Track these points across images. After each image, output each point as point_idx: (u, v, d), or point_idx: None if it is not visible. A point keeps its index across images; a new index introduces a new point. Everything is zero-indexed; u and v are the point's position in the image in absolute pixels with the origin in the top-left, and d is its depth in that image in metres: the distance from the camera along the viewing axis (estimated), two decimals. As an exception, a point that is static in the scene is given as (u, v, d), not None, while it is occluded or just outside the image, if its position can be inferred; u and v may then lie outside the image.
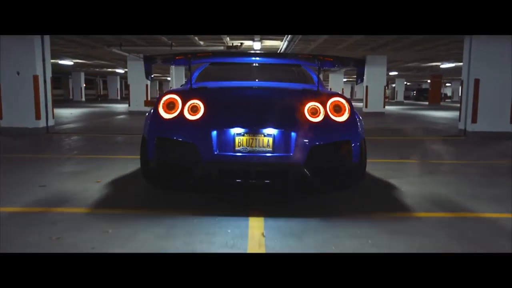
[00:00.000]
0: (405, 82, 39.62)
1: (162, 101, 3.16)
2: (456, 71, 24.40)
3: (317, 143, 3.05)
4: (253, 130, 3.03)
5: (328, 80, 24.55)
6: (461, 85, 8.98)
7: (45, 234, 2.61)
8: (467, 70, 8.53)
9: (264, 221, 2.96)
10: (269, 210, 3.18)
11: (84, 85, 32.47)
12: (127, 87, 16.19)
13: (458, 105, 9.36)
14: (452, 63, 19.09)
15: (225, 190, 3.67)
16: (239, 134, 3.03)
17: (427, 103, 32.86)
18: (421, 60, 19.13)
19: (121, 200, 3.48)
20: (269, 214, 3.10)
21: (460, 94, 9.14)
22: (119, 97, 33.80)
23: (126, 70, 16.52)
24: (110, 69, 27.05)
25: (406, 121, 13.54)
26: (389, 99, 38.70)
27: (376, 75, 15.84)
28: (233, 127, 3.03)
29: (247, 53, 4.69)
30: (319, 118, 3.11)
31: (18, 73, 8.14)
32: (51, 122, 8.77)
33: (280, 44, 12.76)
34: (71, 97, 31.79)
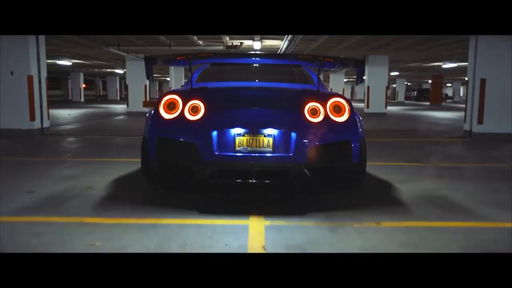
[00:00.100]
0: (406, 83, 39.45)
1: (162, 102, 3.17)
2: (458, 71, 24.23)
3: (317, 143, 3.05)
4: (253, 130, 3.04)
5: (328, 81, 24.37)
6: (466, 85, 8.77)
7: (25, 249, 2.39)
8: (473, 70, 8.32)
9: (265, 229, 2.77)
10: (270, 216, 3.00)
11: (84, 85, 32.29)
12: (126, 87, 15.97)
13: (460, 105, 9.17)
14: (455, 63, 18.89)
15: (225, 190, 3.59)
16: (239, 135, 3.03)
17: (428, 103, 32.67)
18: (423, 60, 18.92)
19: (112, 208, 3.25)
20: (270, 220, 2.91)
21: (460, 95, 8.92)
22: (118, 98, 33.59)
23: (125, 70, 16.30)
24: (109, 70, 26.87)
25: (409, 122, 13.33)
26: (390, 99, 38.49)
27: (377, 75, 15.62)
28: (233, 127, 3.03)
29: (247, 54, 4.71)
30: (319, 118, 3.11)
31: (12, 73, 7.92)
32: (46, 124, 8.55)
33: (280, 43, 12.55)
34: (70, 97, 31.56)
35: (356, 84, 4.22)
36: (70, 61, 20.07)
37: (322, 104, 3.15)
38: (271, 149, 3.04)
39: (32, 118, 8.08)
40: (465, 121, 8.71)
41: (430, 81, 34.86)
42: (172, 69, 19.51)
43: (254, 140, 3.04)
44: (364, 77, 16.08)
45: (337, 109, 3.17)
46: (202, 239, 2.58)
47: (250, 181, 3.03)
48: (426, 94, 39.47)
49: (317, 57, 3.36)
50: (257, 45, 12.43)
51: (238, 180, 3.05)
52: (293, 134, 3.04)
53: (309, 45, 13.13)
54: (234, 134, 3.04)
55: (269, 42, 12.80)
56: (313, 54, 4.40)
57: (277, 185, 3.12)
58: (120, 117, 14.76)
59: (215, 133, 3.03)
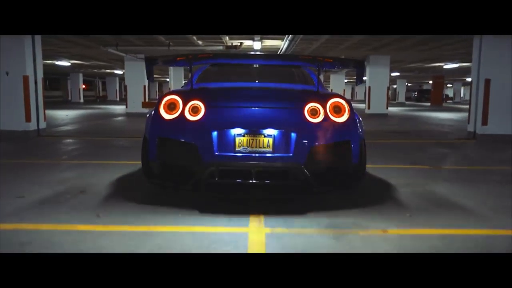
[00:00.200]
0: (406, 83, 39.30)
1: (163, 102, 3.18)
2: (459, 71, 24.10)
3: (317, 143, 3.07)
4: (253, 130, 3.05)
5: (329, 81, 24.21)
6: (470, 85, 8.62)
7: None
8: (477, 70, 8.16)
9: (266, 237, 2.62)
10: (270, 217, 2.88)
11: (84, 86, 32.13)
12: (125, 88, 15.81)
13: (460, 106, 9.05)
14: (456, 63, 18.73)
15: (225, 191, 3.49)
16: (239, 135, 3.04)
17: (428, 104, 32.50)
18: (424, 61, 18.78)
19: (105, 214, 3.10)
20: (271, 227, 2.77)
21: (461, 95, 8.77)
22: (118, 99, 33.40)
23: (124, 71, 16.15)
24: (108, 70, 26.72)
25: (411, 123, 13.17)
26: (390, 100, 38.29)
27: (378, 75, 15.44)
28: (233, 127, 3.04)
29: (247, 55, 4.82)
30: (319, 118, 3.12)
31: (7, 74, 7.77)
32: (42, 125, 8.40)
33: (280, 44, 12.39)
34: (69, 98, 31.40)
35: (356, 85, 4.24)
36: (69, 62, 19.92)
37: (322, 104, 3.15)
38: (271, 150, 3.04)
39: (28, 119, 7.93)
40: (468, 122, 8.55)
41: (430, 82, 34.71)
42: (171, 69, 19.37)
43: (254, 141, 3.04)
44: (365, 78, 15.94)
45: (337, 110, 3.17)
46: (198, 246, 2.44)
47: (250, 181, 3.02)
48: (426, 94, 39.31)
49: (317, 58, 3.36)
50: (257, 45, 12.28)
51: (238, 180, 3.03)
52: (293, 135, 3.04)
53: (309, 45, 12.98)
54: (234, 135, 3.04)
55: (269, 42, 12.66)
56: (313, 55, 4.32)
57: (277, 185, 3.10)
58: (119, 118, 14.61)
59: (215, 133, 3.03)
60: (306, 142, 3.04)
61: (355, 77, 4.02)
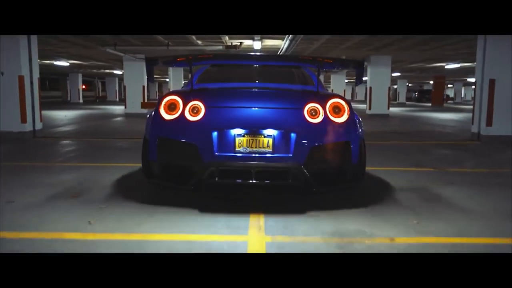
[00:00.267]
0: (407, 84, 39.15)
1: (163, 102, 3.19)
2: (461, 71, 23.95)
3: (317, 144, 3.07)
4: (253, 131, 3.06)
5: (330, 82, 24.07)
6: (474, 86, 8.47)
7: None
8: (481, 70, 8.01)
9: (267, 247, 2.48)
10: (271, 230, 2.70)
11: (84, 86, 31.96)
12: (125, 88, 15.66)
13: (462, 106, 8.93)
14: (458, 63, 18.58)
15: (225, 191, 3.53)
16: (239, 135, 3.06)
17: (429, 104, 32.34)
18: (426, 61, 18.62)
19: (97, 220, 2.95)
20: (271, 235, 2.62)
21: (462, 96, 8.61)
22: (117, 99, 33.25)
23: (123, 71, 15.99)
24: (108, 71, 26.58)
25: (413, 124, 13.01)
26: (391, 100, 38.16)
27: (380, 75, 15.29)
28: (233, 128, 3.06)
29: (248, 55, 4.83)
30: (319, 119, 3.13)
31: (2, 74, 7.63)
32: (38, 126, 8.24)
33: (281, 43, 12.24)
34: (68, 98, 31.23)
35: (356, 85, 4.23)
36: (68, 62, 19.77)
37: (321, 104, 3.16)
38: (271, 150, 3.06)
39: (24, 120, 7.78)
40: (472, 123, 8.39)
41: (431, 82, 34.56)
42: (170, 70, 19.23)
43: (254, 141, 3.05)
44: (366, 78, 15.80)
45: (337, 110, 3.18)
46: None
47: (250, 181, 3.03)
48: (427, 95, 39.15)
49: (317, 58, 3.37)
50: (257, 45, 12.13)
51: (238, 181, 3.04)
52: (293, 135, 3.05)
53: (310, 45, 12.84)
54: (234, 135, 3.06)
55: (270, 42, 12.51)
56: (312, 55, 4.36)
57: (276, 186, 3.11)
58: (118, 118, 14.45)
59: (215, 133, 3.05)
60: (305, 143, 3.04)
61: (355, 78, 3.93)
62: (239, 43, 12.04)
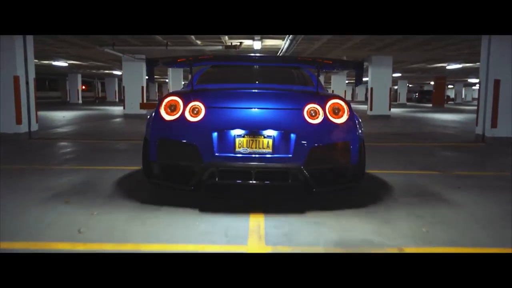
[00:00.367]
0: (408, 84, 39.01)
1: (164, 103, 3.21)
2: (463, 72, 23.81)
3: (317, 144, 3.08)
4: (253, 131, 3.07)
5: (330, 82, 23.95)
6: (478, 86, 8.32)
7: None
8: (486, 71, 7.86)
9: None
10: (272, 238, 2.55)
11: (84, 87, 31.82)
12: (124, 89, 15.51)
13: (462, 107, 8.80)
14: (460, 64, 18.43)
15: (225, 191, 3.42)
16: (239, 136, 3.07)
17: (430, 105, 32.18)
18: (427, 61, 18.48)
19: (89, 228, 2.79)
20: (272, 245, 2.47)
21: (462, 96, 8.46)
22: (117, 99, 33.09)
23: (122, 71, 15.85)
24: (107, 71, 26.44)
25: (414, 125, 12.85)
26: (391, 101, 38.03)
27: (381, 76, 15.14)
28: (233, 128, 3.07)
29: (248, 56, 4.73)
30: (318, 119, 3.13)
31: (-3, 74, 7.48)
32: (34, 127, 8.08)
33: (281, 43, 12.10)
34: (68, 99, 31.08)
35: (356, 86, 4.24)
36: (66, 62, 19.62)
37: (321, 105, 3.18)
38: (270, 150, 3.06)
39: (19, 121, 7.62)
40: (477, 125, 8.23)
41: (432, 83, 34.41)
42: (170, 70, 19.10)
43: (254, 141, 3.06)
44: (367, 79, 15.65)
45: (336, 111, 3.19)
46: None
47: (250, 182, 3.04)
48: (428, 95, 39.00)
49: (316, 59, 3.37)
50: (257, 45, 11.99)
51: (238, 181, 3.06)
52: (293, 135, 3.07)
53: (311, 45, 12.70)
54: (234, 135, 3.07)
55: (270, 42, 12.37)
56: (312, 56, 4.38)
57: (276, 186, 3.10)
58: (116, 119, 14.29)
59: (215, 134, 3.06)
60: (305, 143, 3.05)
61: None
62: (239, 43, 11.89)
